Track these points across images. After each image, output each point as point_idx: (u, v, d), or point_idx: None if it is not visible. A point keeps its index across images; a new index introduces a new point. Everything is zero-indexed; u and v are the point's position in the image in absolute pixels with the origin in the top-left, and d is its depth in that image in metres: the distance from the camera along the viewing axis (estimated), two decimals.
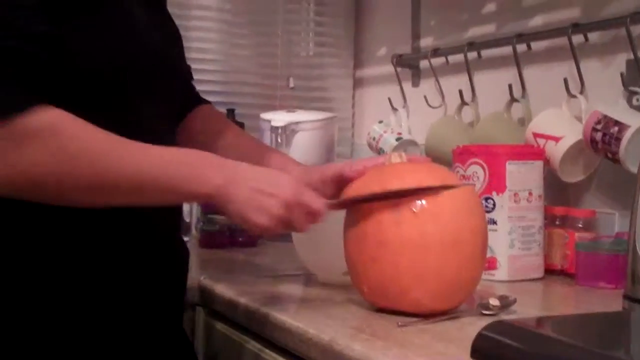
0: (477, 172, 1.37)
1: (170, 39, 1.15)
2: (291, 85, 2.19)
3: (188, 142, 1.15)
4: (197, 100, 1.30)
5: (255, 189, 0.96)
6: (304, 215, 0.98)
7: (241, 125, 1.94)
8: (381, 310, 1.03)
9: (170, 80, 1.11)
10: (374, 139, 1.92)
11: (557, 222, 1.42)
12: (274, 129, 1.87)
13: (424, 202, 0.98)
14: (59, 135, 0.89)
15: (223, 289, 1.21)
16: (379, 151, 1.91)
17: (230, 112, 1.93)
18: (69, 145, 0.89)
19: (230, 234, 1.75)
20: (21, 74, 0.88)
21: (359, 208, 1.01)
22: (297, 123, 1.88)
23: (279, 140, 1.86)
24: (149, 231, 1.04)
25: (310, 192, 1.00)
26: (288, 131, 1.86)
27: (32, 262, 0.95)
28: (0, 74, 0.86)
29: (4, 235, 0.95)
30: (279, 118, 1.89)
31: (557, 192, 1.50)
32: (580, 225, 1.40)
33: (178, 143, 1.13)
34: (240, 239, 1.76)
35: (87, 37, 0.95)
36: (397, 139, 1.88)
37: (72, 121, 0.90)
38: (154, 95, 1.06)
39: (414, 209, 0.97)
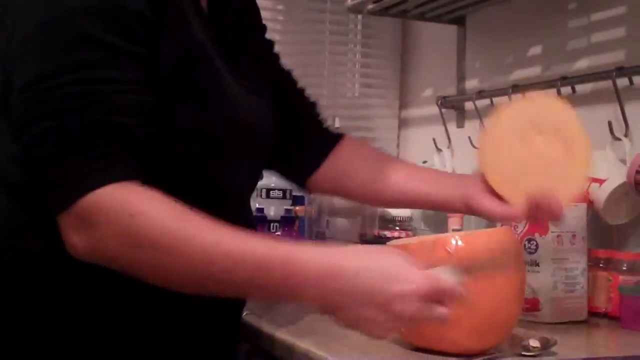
0: None
1: (265, 103, 1.12)
2: (337, 125, 2.21)
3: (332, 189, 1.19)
4: (330, 142, 1.25)
5: (364, 304, 0.84)
6: (440, 304, 0.86)
7: None
8: (419, 349, 1.03)
9: (263, 150, 1.10)
10: None
11: (601, 265, 1.42)
12: None
13: (459, 242, 0.98)
14: (130, 217, 0.85)
15: (265, 325, 1.22)
16: None
17: None
18: (137, 232, 0.85)
19: None
20: (125, 148, 0.88)
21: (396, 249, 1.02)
22: None
23: None
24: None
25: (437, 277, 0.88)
26: None
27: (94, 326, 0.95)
28: (107, 147, 0.86)
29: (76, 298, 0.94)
30: None
31: (601, 234, 1.49)
32: (624, 268, 1.38)
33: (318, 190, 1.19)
34: None
35: (184, 113, 0.94)
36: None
37: (146, 202, 0.86)
38: (243, 166, 1.05)
39: (449, 249, 0.98)
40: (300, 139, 1.23)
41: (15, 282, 0.94)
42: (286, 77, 1.26)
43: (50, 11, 0.88)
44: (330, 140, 1.25)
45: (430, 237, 1.05)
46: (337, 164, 1.23)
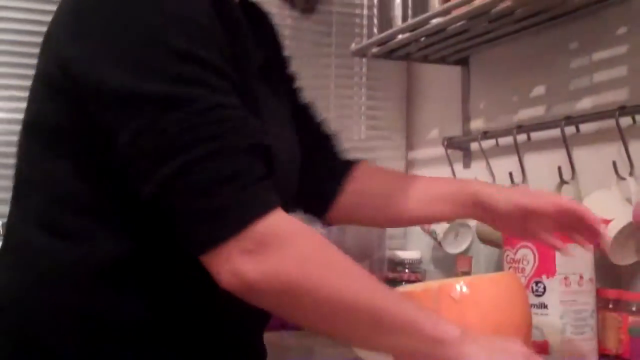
0: (527, 255, 1.37)
1: (294, 134, 1.10)
2: None
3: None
4: (344, 170, 1.22)
5: (490, 350, 0.86)
6: None
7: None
8: None
9: (295, 185, 1.07)
10: None
11: (610, 306, 1.40)
12: None
13: (464, 288, 0.98)
14: (296, 247, 0.84)
15: None
16: (431, 233, 1.92)
17: None
18: (303, 264, 0.83)
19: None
20: (264, 173, 0.85)
21: (401, 295, 1.02)
22: None
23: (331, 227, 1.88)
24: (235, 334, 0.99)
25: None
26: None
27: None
28: (248, 175, 0.84)
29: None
30: None
31: (609, 275, 1.48)
32: (634, 309, 1.37)
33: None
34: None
35: None
36: (449, 221, 1.89)
37: (310, 237, 0.86)
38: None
39: (454, 296, 0.98)
40: (318, 172, 1.21)
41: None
42: (308, 110, 1.25)
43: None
44: (344, 168, 1.23)
45: (435, 284, 1.05)
46: (351, 193, 1.20)
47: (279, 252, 0.82)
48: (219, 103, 0.84)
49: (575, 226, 1.08)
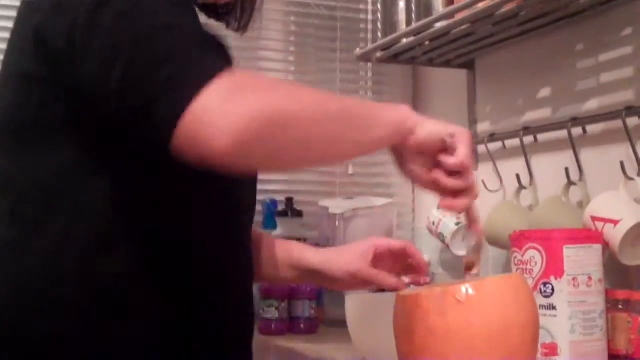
0: (535, 257, 1.36)
1: None
2: (350, 172, 2.22)
3: None
4: None
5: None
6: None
7: (299, 213, 1.98)
8: None
9: None
10: (433, 223, 1.93)
11: (620, 306, 1.39)
12: (332, 216, 1.89)
13: (470, 290, 0.97)
14: (261, 85, 0.87)
15: None
16: (439, 236, 1.92)
17: (289, 201, 1.97)
18: (276, 96, 0.86)
19: (290, 321, 1.76)
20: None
21: (407, 298, 1.02)
22: (354, 210, 1.90)
23: (337, 226, 1.88)
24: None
25: None
26: (346, 218, 1.89)
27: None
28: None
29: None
30: (336, 205, 1.91)
31: (619, 275, 1.48)
32: None
33: None
34: (301, 326, 1.77)
35: None
36: (457, 224, 1.88)
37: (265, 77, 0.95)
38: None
39: (459, 298, 0.97)
40: None
41: None
42: None
43: None
44: None
45: (440, 286, 1.05)
46: None
47: (252, 94, 0.83)
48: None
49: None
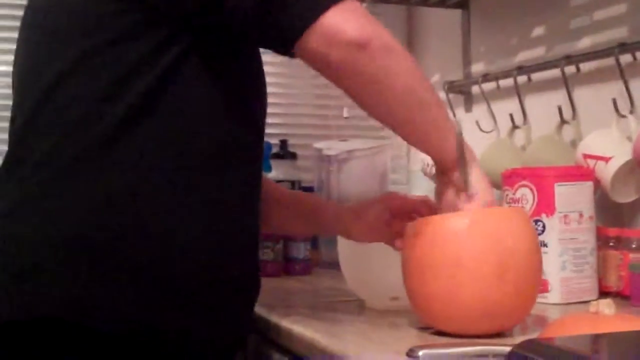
0: (526, 194, 1.36)
1: None
2: (345, 115, 2.21)
3: None
4: None
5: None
6: None
7: (293, 155, 1.98)
8: (438, 333, 1.03)
9: None
10: (427, 164, 1.93)
11: (611, 244, 1.41)
12: (327, 158, 1.89)
13: (466, 220, 0.99)
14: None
15: (277, 318, 1.23)
16: (433, 177, 1.91)
17: (283, 143, 1.96)
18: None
19: (286, 262, 1.78)
20: None
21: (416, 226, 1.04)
22: (349, 151, 1.90)
23: (332, 168, 1.88)
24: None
25: None
26: (340, 159, 1.89)
27: None
28: None
29: None
30: (331, 147, 1.91)
31: (610, 213, 1.49)
32: (634, 246, 1.37)
33: None
34: (296, 267, 1.78)
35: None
36: None
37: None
38: None
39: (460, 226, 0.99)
40: None
41: None
42: None
43: None
44: None
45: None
46: None
47: (372, 20, 0.98)
48: None
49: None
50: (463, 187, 1.07)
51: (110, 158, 0.96)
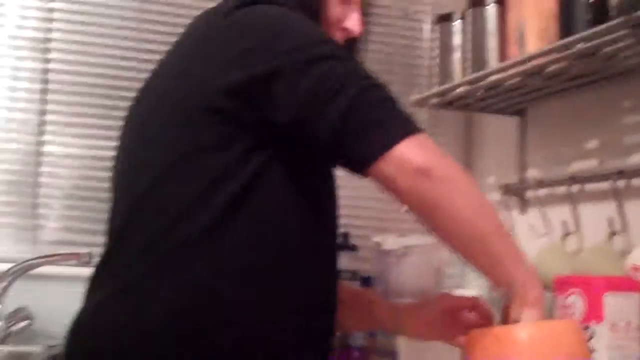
0: (576, 302, 1.44)
1: None
2: (404, 209, 2.31)
3: None
4: None
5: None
6: None
7: (354, 248, 2.09)
8: None
9: None
10: None
11: None
12: (385, 252, 1.99)
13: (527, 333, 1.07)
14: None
15: None
16: None
17: (345, 236, 2.07)
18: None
19: (344, 348, 1.86)
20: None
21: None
22: (407, 247, 2.00)
23: (390, 262, 1.98)
24: None
25: None
26: (399, 254, 1.99)
27: None
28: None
29: None
30: (390, 241, 2.02)
31: None
32: None
33: None
34: (353, 354, 1.87)
35: None
36: None
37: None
38: None
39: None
40: None
41: None
42: None
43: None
44: None
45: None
46: None
47: (438, 152, 1.07)
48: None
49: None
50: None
51: (197, 256, 1.07)
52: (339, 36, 1.26)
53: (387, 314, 1.36)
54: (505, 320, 1.12)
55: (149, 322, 1.06)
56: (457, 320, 1.29)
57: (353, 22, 1.26)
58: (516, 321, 1.09)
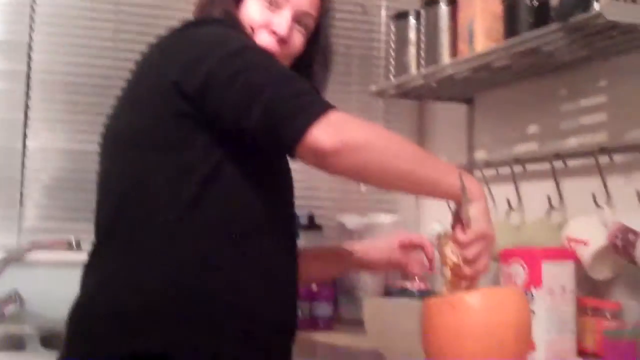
0: (519, 270, 1.63)
1: None
2: (362, 189, 2.48)
3: None
4: None
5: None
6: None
7: (319, 228, 2.25)
8: None
9: None
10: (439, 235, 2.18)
11: (589, 312, 1.67)
12: (348, 231, 2.17)
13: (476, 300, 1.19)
14: (359, 124, 1.18)
15: None
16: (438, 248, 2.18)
17: (310, 217, 2.24)
18: (369, 132, 1.18)
19: (311, 318, 2.04)
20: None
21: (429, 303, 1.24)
22: (368, 225, 2.17)
23: (352, 240, 2.14)
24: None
25: None
26: (361, 232, 2.16)
27: None
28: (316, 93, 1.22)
29: None
30: (353, 221, 2.19)
31: (589, 286, 1.75)
32: (608, 316, 1.64)
33: None
34: (319, 323, 2.04)
35: None
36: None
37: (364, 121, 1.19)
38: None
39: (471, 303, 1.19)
40: None
41: None
42: None
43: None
44: None
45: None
46: None
47: (347, 124, 1.16)
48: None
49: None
50: (467, 221, 1.20)
51: (174, 240, 1.23)
52: (266, 39, 1.38)
53: (353, 258, 1.58)
54: (456, 222, 1.23)
55: (144, 299, 1.21)
56: (409, 253, 1.57)
57: (277, 24, 1.38)
58: (467, 218, 1.19)
